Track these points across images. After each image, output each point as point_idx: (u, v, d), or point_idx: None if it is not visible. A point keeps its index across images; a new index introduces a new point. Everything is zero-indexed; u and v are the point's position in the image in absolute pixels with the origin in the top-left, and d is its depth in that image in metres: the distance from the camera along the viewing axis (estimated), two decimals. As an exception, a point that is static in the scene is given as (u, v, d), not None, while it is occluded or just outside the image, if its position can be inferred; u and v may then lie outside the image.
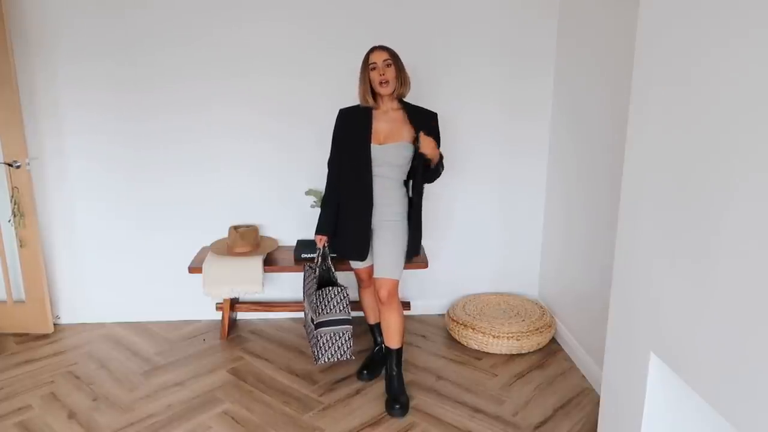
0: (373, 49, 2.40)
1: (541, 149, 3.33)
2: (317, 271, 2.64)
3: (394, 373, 2.56)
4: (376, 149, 2.41)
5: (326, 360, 2.58)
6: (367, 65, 2.40)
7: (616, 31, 2.49)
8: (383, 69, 2.36)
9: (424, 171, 2.45)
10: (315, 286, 2.60)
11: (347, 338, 2.58)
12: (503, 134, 3.30)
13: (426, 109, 2.50)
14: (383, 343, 2.65)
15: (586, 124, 2.83)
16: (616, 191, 2.28)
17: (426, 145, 2.36)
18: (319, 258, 2.63)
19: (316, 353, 2.59)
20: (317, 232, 2.59)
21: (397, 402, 2.48)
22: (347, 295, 2.60)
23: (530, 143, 3.32)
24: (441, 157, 2.47)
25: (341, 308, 2.57)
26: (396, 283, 2.48)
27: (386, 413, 2.48)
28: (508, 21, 3.14)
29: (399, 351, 2.57)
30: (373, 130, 2.43)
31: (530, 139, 3.31)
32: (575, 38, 2.95)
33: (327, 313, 2.56)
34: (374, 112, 2.46)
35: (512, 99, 3.25)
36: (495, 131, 3.29)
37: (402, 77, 2.41)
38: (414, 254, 2.53)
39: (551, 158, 3.31)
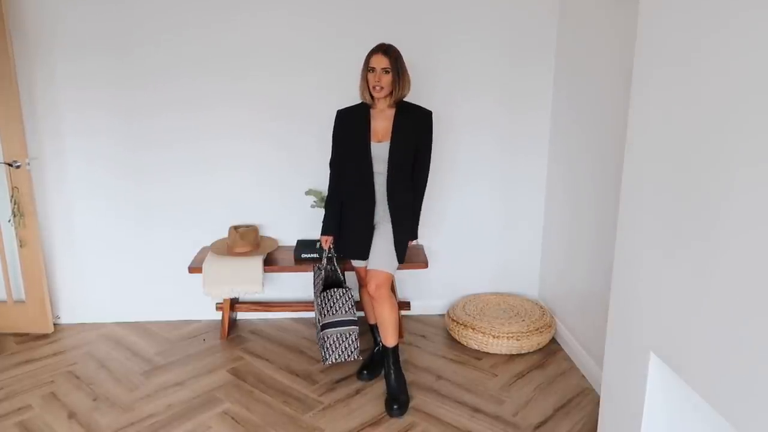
0: (375, 51, 2.37)
1: (542, 145, 3.31)
2: (323, 273, 2.64)
3: (391, 371, 2.55)
4: (376, 147, 2.41)
5: (333, 360, 2.59)
6: (367, 65, 2.38)
7: (617, 21, 2.47)
8: (380, 75, 2.34)
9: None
10: (321, 287, 2.60)
11: (353, 339, 2.59)
12: (503, 129, 3.28)
13: (421, 108, 2.48)
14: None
15: (587, 119, 2.81)
16: (618, 190, 2.27)
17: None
18: (325, 259, 2.63)
19: (323, 354, 2.59)
20: (323, 233, 2.59)
21: (396, 402, 2.48)
22: (352, 296, 2.61)
23: (530, 138, 3.30)
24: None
25: (346, 309, 2.58)
26: (387, 276, 2.47)
27: (386, 413, 2.48)
28: (508, 11, 3.11)
29: (395, 349, 2.55)
30: (372, 129, 2.43)
31: (530, 135, 3.29)
32: (576, 29, 2.92)
33: (333, 314, 2.56)
34: (372, 111, 2.45)
35: (512, 92, 3.22)
36: (494, 126, 3.27)
37: (401, 83, 2.38)
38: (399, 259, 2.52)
39: (551, 155, 3.29)
